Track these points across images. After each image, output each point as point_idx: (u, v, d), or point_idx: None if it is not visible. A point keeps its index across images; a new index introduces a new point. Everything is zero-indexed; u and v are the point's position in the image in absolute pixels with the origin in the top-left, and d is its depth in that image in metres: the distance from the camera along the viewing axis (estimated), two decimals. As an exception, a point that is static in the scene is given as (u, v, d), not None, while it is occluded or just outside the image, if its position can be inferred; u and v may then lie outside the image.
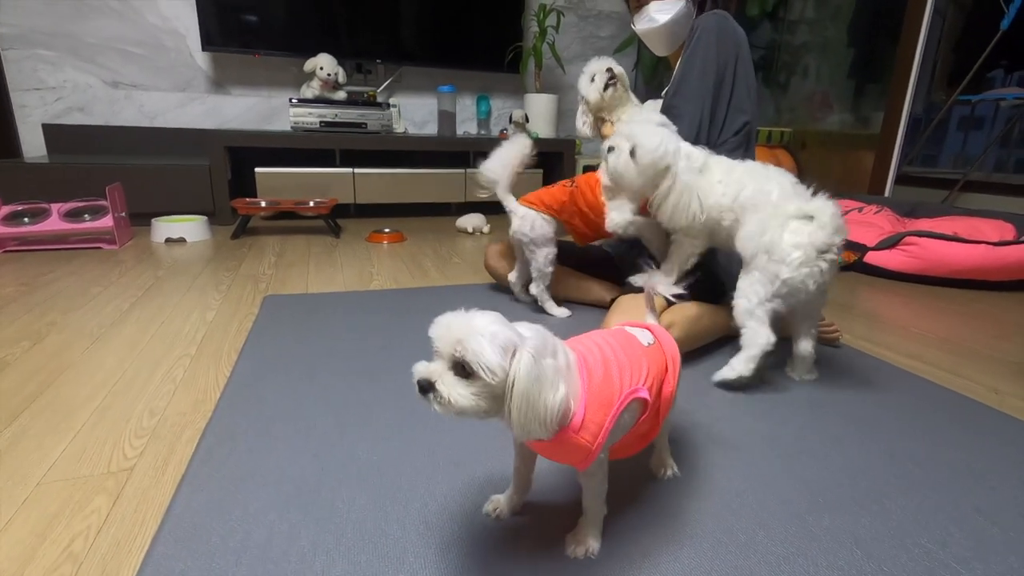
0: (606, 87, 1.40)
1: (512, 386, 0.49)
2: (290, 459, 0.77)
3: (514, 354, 0.49)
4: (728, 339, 1.27)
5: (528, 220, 1.36)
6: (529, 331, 0.52)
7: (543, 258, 1.35)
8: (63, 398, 0.94)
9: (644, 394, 0.59)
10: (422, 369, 0.51)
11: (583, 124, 1.50)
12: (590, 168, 3.16)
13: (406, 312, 1.40)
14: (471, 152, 2.89)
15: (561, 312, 1.40)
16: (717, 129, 1.29)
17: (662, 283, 0.74)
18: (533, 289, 1.40)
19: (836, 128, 2.99)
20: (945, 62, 2.87)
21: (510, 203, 1.40)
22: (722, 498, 0.72)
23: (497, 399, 0.50)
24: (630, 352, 0.61)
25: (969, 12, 2.71)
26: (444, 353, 0.50)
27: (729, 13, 1.27)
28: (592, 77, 1.42)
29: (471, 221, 2.51)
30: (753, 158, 1.33)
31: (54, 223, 1.94)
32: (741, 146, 1.31)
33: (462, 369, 0.49)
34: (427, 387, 0.50)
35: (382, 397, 0.96)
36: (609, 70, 1.39)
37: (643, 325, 0.71)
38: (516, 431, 0.51)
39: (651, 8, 1.31)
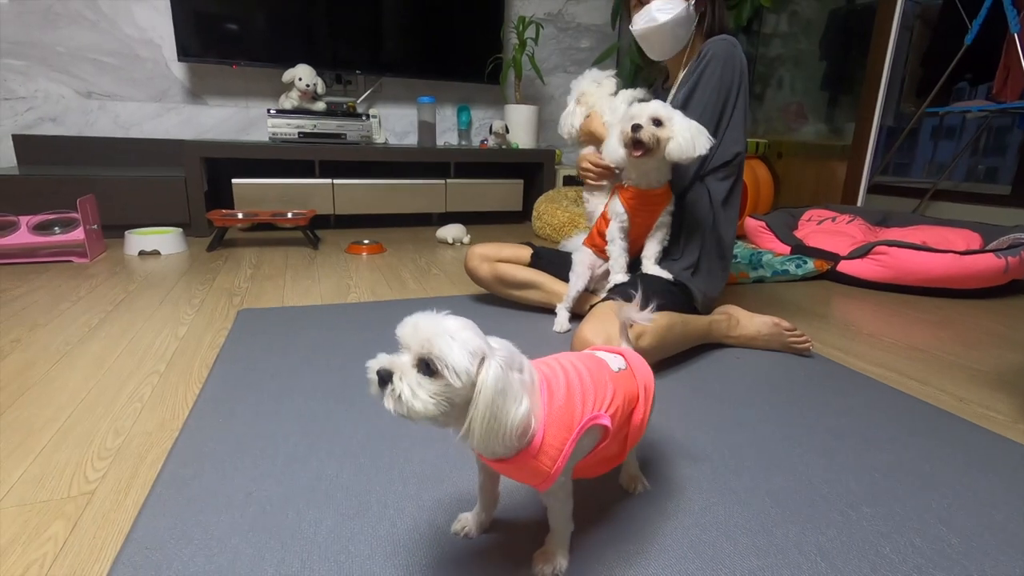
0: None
1: (478, 395, 0.48)
2: (256, 479, 0.76)
3: (482, 362, 0.48)
4: (701, 349, 1.28)
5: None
6: (498, 343, 0.52)
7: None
8: (24, 419, 0.92)
9: (605, 420, 0.58)
10: (384, 359, 0.49)
11: (571, 116, 1.52)
12: (570, 178, 3.18)
13: (382, 325, 1.40)
14: (452, 163, 2.90)
15: (560, 327, 1.40)
16: (709, 159, 1.31)
17: (634, 311, 0.73)
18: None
19: (811, 139, 3.05)
20: (913, 75, 2.95)
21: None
22: (690, 512, 0.73)
23: (456, 407, 0.49)
24: (596, 377, 0.61)
25: (935, 27, 2.79)
26: (411, 350, 0.48)
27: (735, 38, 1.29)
28: (599, 82, 1.49)
29: (451, 232, 2.51)
30: (740, 189, 1.36)
31: (23, 236, 1.90)
32: (732, 175, 1.33)
33: (427, 368, 0.48)
34: (386, 379, 0.48)
35: (353, 414, 0.95)
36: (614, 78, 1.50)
37: (616, 351, 0.70)
38: (475, 443, 0.50)
39: (653, 6, 1.29)
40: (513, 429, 0.49)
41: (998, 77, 2.44)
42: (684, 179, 1.32)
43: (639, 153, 1.17)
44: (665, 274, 1.28)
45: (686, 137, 1.13)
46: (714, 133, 1.27)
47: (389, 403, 0.48)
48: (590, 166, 1.47)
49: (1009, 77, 2.39)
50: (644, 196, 1.26)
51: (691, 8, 1.29)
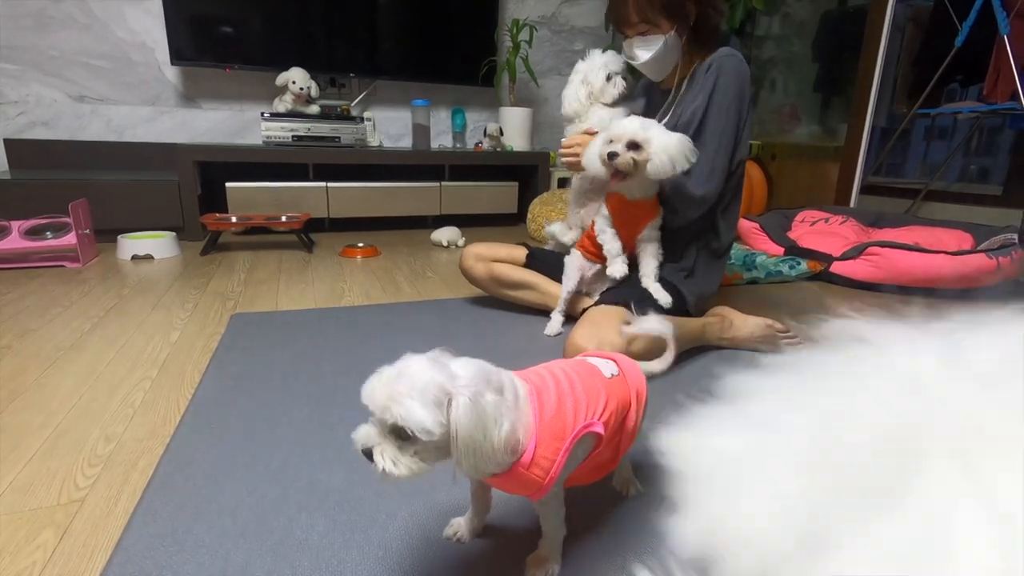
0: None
1: (455, 436, 0.48)
2: (249, 486, 0.76)
3: (451, 402, 0.48)
4: (694, 351, 1.29)
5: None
6: (465, 369, 0.50)
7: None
8: (14, 426, 0.91)
9: (598, 428, 0.58)
10: (362, 436, 0.50)
11: (575, 99, 1.48)
12: (564, 180, 3.18)
13: (375, 330, 1.40)
14: (446, 165, 2.90)
15: (552, 330, 1.39)
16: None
17: (642, 323, 0.72)
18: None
19: (804, 140, 3.06)
20: (905, 77, 2.97)
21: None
22: (683, 515, 0.73)
23: (442, 449, 0.49)
24: (589, 384, 0.60)
25: (926, 29, 2.81)
26: (378, 418, 0.49)
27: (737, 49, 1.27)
28: (609, 76, 1.44)
29: (446, 235, 2.51)
30: (740, 195, 1.36)
31: (14, 241, 1.88)
32: (732, 183, 1.31)
33: (401, 431, 0.48)
34: (369, 455, 0.49)
35: (345, 419, 0.95)
36: (625, 79, 1.45)
37: (608, 356, 0.70)
38: (468, 472, 0.50)
39: (634, 44, 1.29)
40: (499, 451, 0.50)
41: (989, 78, 2.46)
42: (691, 215, 1.29)
43: (618, 179, 1.18)
44: (663, 297, 1.26)
45: (663, 159, 1.12)
46: (734, 151, 1.26)
47: (379, 477, 0.49)
48: (568, 151, 1.39)
49: (999, 78, 2.41)
50: (628, 204, 1.26)
51: (671, 37, 1.25)
